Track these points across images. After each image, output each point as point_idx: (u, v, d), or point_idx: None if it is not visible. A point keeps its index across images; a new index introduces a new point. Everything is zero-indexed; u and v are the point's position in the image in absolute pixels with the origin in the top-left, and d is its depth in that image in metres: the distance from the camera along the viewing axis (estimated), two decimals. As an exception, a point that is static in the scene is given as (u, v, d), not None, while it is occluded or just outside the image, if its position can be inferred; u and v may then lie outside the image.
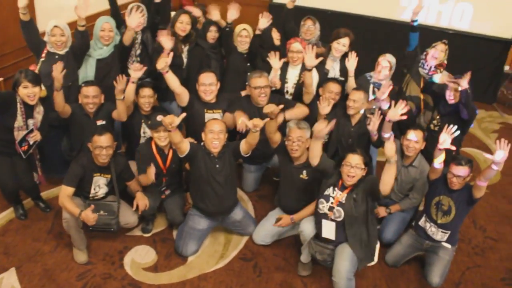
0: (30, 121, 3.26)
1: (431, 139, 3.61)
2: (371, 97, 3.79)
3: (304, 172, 3.33)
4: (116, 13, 4.11)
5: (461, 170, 3.05)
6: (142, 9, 3.90)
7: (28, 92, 3.12)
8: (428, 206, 3.29)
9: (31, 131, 3.26)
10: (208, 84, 3.63)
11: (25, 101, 3.16)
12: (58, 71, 3.21)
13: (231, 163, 3.34)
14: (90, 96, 3.46)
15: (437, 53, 3.74)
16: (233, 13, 4.02)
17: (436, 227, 3.24)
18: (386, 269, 3.41)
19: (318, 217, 3.11)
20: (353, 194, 2.99)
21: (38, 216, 3.65)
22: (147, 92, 3.61)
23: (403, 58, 3.98)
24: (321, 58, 3.71)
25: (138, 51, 3.98)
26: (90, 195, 3.34)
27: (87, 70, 3.80)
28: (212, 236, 3.62)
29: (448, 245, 3.25)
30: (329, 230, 3.07)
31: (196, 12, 4.28)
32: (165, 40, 3.64)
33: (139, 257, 3.36)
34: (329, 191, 3.07)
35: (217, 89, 3.70)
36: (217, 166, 3.24)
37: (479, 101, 5.78)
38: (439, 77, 3.73)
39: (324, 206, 3.07)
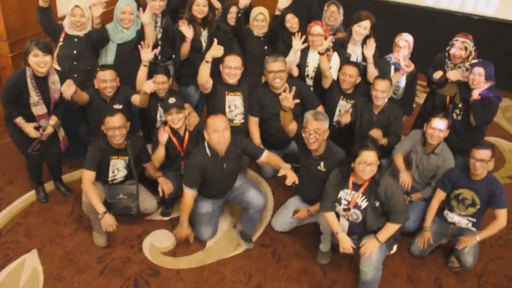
0: (51, 84, 3.20)
1: (453, 128, 3.55)
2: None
3: (322, 163, 3.26)
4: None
5: (483, 153, 3.00)
6: None
7: (38, 60, 3.06)
8: (448, 198, 3.26)
9: (40, 142, 3.28)
10: (234, 67, 3.59)
11: (36, 70, 3.10)
12: (69, 90, 3.14)
13: (238, 159, 3.24)
14: (108, 80, 3.43)
15: (456, 51, 3.68)
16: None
17: (460, 217, 3.22)
18: (407, 257, 3.37)
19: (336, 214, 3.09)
20: (375, 203, 2.92)
21: (59, 199, 3.69)
22: (160, 78, 3.57)
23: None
24: (328, 41, 3.71)
25: (159, 35, 3.93)
26: (109, 179, 3.34)
27: (107, 55, 3.77)
28: (231, 223, 3.61)
29: (474, 229, 3.23)
30: (345, 227, 3.05)
31: (216, 3, 4.20)
32: (186, 29, 3.68)
33: (158, 241, 3.37)
34: (340, 194, 3.00)
35: (241, 73, 3.66)
36: (224, 166, 3.13)
37: (504, 89, 5.59)
38: (453, 74, 3.63)
39: (338, 209, 3.03)
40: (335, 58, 3.85)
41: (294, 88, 3.23)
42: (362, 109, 3.67)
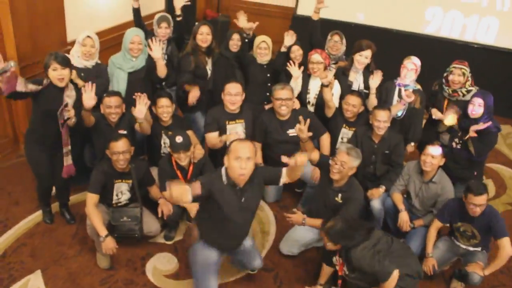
0: (66, 97, 3.23)
1: (452, 156, 3.61)
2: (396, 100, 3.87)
3: (340, 195, 3.31)
4: (140, 24, 4.21)
5: (483, 199, 3.04)
6: (168, 22, 4.03)
7: (57, 74, 3.10)
8: (451, 227, 3.34)
9: (66, 105, 3.22)
10: (234, 94, 3.67)
11: (55, 83, 3.15)
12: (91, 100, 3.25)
13: (259, 192, 2.83)
14: (113, 106, 3.51)
15: (455, 77, 3.75)
16: (242, 20, 4.27)
17: (466, 246, 3.32)
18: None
19: None
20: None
21: (63, 221, 3.72)
22: (164, 102, 3.66)
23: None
24: (330, 74, 3.78)
25: (164, 62, 4.01)
26: (113, 202, 3.40)
27: (119, 84, 3.84)
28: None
29: (484, 251, 3.30)
30: None
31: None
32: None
33: (161, 264, 3.39)
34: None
35: (242, 100, 3.75)
36: (243, 200, 2.68)
37: (504, 116, 5.71)
38: (450, 119, 3.71)
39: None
40: (336, 86, 3.94)
41: (308, 120, 3.40)
42: (362, 138, 3.73)
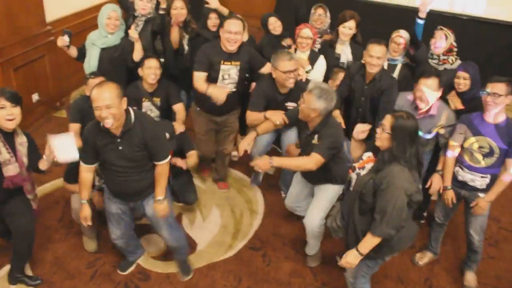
0: (19, 145, 2.72)
1: None
2: None
3: (316, 137, 2.97)
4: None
5: (498, 86, 2.80)
6: None
7: (6, 113, 2.59)
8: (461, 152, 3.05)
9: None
10: (234, 32, 3.31)
11: (2, 126, 2.62)
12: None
13: (141, 147, 2.62)
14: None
15: (438, 42, 3.60)
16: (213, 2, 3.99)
17: (473, 174, 3.00)
18: (397, 258, 3.35)
19: None
20: (370, 180, 2.44)
21: (48, 205, 3.67)
22: (152, 63, 3.45)
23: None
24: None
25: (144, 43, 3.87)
26: None
27: (90, 60, 3.70)
28: (222, 226, 3.62)
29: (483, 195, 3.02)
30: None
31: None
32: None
33: (148, 246, 3.37)
34: (365, 155, 2.66)
35: (242, 39, 3.42)
36: (120, 147, 2.60)
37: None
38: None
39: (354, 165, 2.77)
40: (321, 61, 3.82)
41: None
42: (355, 75, 3.46)
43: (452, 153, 3.06)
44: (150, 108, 3.57)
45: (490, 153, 2.91)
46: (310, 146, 2.96)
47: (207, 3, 4.02)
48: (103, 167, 2.77)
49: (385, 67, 3.70)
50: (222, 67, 3.43)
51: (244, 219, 3.71)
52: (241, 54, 3.46)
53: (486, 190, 3.00)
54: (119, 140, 2.58)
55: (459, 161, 3.06)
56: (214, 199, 3.92)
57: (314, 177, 3.12)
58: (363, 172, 2.54)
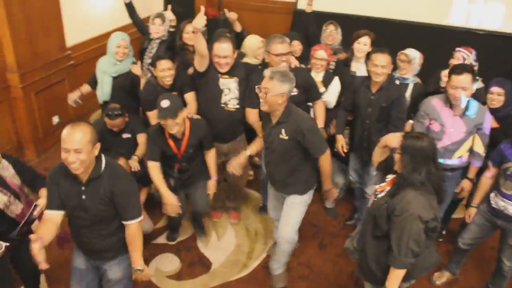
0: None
1: None
2: None
3: (283, 131, 2.82)
4: (135, 19, 4.35)
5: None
6: (162, 19, 4.05)
7: None
8: (496, 176, 2.94)
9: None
10: (223, 56, 3.24)
11: None
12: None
13: (106, 196, 2.29)
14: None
15: (455, 61, 3.57)
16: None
17: (505, 201, 2.85)
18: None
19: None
20: (384, 205, 2.34)
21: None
22: (164, 64, 3.37)
23: None
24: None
25: (149, 60, 4.06)
26: None
27: (103, 88, 3.76)
28: (236, 245, 3.62)
29: None
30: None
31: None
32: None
33: (163, 265, 3.39)
34: (389, 176, 2.51)
35: (233, 60, 3.31)
36: (83, 197, 2.28)
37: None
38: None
39: (370, 189, 2.75)
40: (335, 82, 3.80)
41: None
42: (359, 87, 3.40)
43: (489, 173, 2.96)
44: None
45: None
46: (276, 141, 2.84)
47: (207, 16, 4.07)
48: (68, 214, 2.39)
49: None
50: (221, 80, 3.34)
51: (259, 238, 3.70)
52: (236, 71, 3.36)
53: None
54: (83, 188, 2.27)
55: (495, 186, 2.92)
56: (230, 218, 3.93)
57: (282, 182, 3.01)
58: (380, 195, 2.43)
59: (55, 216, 2.32)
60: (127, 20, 4.49)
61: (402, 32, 6.09)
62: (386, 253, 2.35)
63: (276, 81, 2.69)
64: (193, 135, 3.13)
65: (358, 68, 3.96)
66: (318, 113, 3.55)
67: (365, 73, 3.86)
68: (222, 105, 3.34)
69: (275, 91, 2.69)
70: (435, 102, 3.11)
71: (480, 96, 3.32)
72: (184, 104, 3.33)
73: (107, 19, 5.24)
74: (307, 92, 3.42)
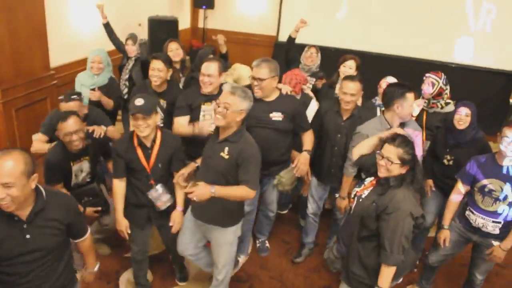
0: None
1: (448, 173, 3.32)
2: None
3: (226, 149, 2.65)
4: (112, 38, 4.65)
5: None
6: (134, 40, 4.42)
7: None
8: (470, 194, 2.96)
9: None
10: (207, 74, 3.21)
11: None
12: None
13: (56, 231, 2.05)
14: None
15: (425, 88, 3.66)
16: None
17: (484, 218, 2.87)
18: None
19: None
20: (372, 204, 2.38)
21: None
22: (156, 64, 3.39)
23: None
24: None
25: (126, 76, 4.41)
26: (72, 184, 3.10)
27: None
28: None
29: (498, 243, 2.90)
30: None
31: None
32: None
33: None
34: (367, 180, 2.56)
35: (219, 81, 3.26)
36: (27, 236, 1.96)
37: (488, 134, 5.75)
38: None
39: (352, 192, 2.61)
40: (313, 105, 3.81)
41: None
42: (326, 112, 3.38)
43: (457, 197, 3.01)
44: None
45: (503, 197, 2.80)
46: (215, 157, 2.67)
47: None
48: None
49: (378, 112, 3.67)
50: (203, 107, 3.28)
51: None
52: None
53: (499, 236, 2.88)
54: (25, 226, 1.95)
55: (469, 203, 2.97)
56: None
57: (209, 213, 2.78)
58: (363, 196, 2.47)
59: None
60: (111, 45, 4.67)
61: (381, 65, 6.35)
62: (372, 253, 2.38)
63: (237, 97, 2.60)
64: (164, 146, 2.84)
65: None
66: (306, 137, 3.34)
67: None
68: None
69: (236, 107, 2.59)
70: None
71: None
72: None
73: (92, 43, 5.36)
74: (295, 121, 3.26)
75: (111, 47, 4.68)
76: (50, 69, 4.77)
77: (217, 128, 2.72)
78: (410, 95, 2.96)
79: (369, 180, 2.53)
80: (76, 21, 5.17)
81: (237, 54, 7.08)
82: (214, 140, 2.73)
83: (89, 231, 2.35)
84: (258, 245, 3.79)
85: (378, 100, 3.88)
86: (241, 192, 2.61)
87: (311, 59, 4.38)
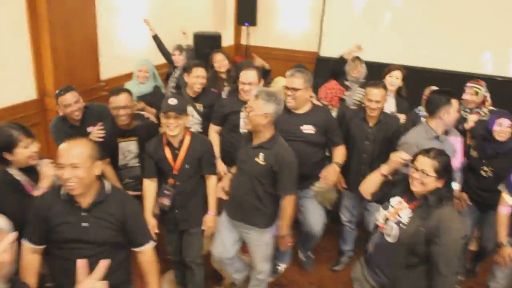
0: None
1: (485, 186, 3.31)
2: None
3: (261, 155, 2.69)
4: (162, 49, 5.00)
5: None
6: (180, 50, 4.74)
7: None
8: None
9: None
10: (247, 83, 3.31)
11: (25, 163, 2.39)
12: None
13: (113, 224, 2.09)
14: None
15: (467, 96, 3.74)
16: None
17: None
18: None
19: (374, 229, 2.55)
20: (421, 229, 2.25)
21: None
22: (200, 72, 3.61)
23: None
24: None
25: (173, 84, 4.68)
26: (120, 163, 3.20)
27: None
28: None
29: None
30: (371, 247, 2.51)
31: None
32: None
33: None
34: (392, 200, 2.44)
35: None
36: (84, 224, 2.05)
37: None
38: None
39: (380, 216, 2.45)
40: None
41: None
42: (352, 120, 3.41)
43: (506, 209, 2.90)
44: (192, 114, 3.61)
45: None
46: (249, 162, 2.73)
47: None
48: (52, 251, 2.10)
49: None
50: (242, 114, 3.30)
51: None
52: None
53: None
54: (84, 213, 2.04)
55: None
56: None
57: (244, 212, 2.85)
58: (404, 221, 2.31)
59: (39, 250, 2.10)
60: (159, 59, 5.00)
61: (426, 78, 6.26)
62: (422, 279, 2.29)
63: (260, 100, 2.63)
64: (193, 147, 2.86)
65: (387, 101, 4.05)
66: (337, 151, 3.32)
67: (393, 107, 4.00)
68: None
69: (259, 110, 2.62)
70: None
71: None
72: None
73: (140, 58, 5.61)
74: (327, 135, 3.24)
75: (157, 61, 4.92)
76: (101, 81, 5.03)
77: (250, 133, 2.79)
78: (455, 101, 2.98)
79: (396, 201, 2.41)
80: (125, 36, 5.44)
81: (279, 70, 7.13)
82: (247, 145, 2.78)
83: (151, 244, 2.20)
84: (303, 259, 3.70)
85: (422, 112, 3.86)
86: (288, 209, 2.75)
87: (356, 70, 4.45)
